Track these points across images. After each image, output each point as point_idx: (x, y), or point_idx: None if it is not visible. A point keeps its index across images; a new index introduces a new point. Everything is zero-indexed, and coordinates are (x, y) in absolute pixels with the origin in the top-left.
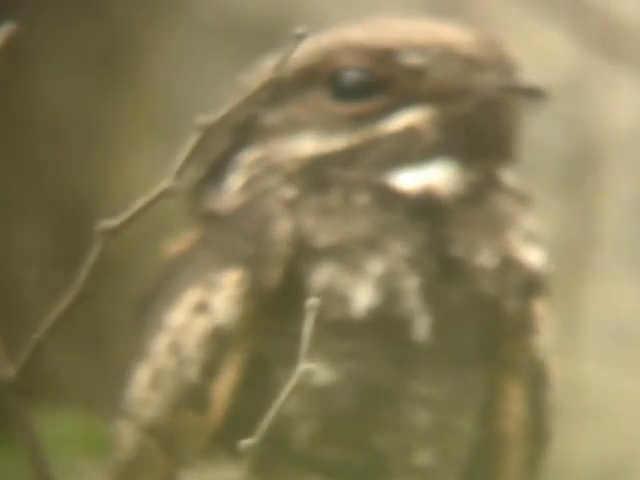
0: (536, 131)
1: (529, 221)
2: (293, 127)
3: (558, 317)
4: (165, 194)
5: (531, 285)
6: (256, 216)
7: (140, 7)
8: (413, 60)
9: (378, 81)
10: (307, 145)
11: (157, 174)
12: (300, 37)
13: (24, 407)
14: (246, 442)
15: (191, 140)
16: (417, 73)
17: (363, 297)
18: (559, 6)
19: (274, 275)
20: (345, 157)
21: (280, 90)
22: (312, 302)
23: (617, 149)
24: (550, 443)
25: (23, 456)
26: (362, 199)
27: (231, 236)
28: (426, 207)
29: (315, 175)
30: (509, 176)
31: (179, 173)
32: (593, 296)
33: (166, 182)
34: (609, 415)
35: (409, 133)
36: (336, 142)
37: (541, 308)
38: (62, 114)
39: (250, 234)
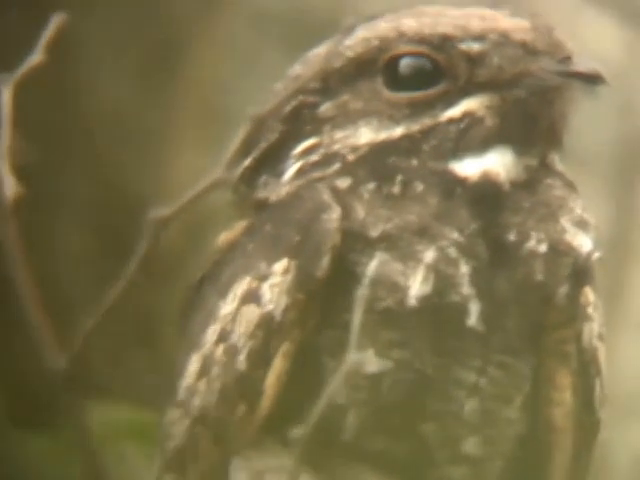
0: (585, 119)
1: (579, 206)
2: (349, 116)
3: (602, 303)
4: (216, 184)
5: (581, 271)
6: (305, 205)
7: (190, 1)
8: (471, 47)
9: (435, 69)
10: (365, 134)
11: (203, 169)
12: (350, 28)
13: (74, 397)
14: (296, 431)
15: (242, 131)
16: (475, 60)
17: (416, 285)
18: None
19: (322, 264)
20: (404, 145)
21: (334, 80)
22: (362, 291)
23: None
24: (599, 432)
25: (73, 445)
26: (421, 186)
27: (280, 225)
28: (485, 193)
29: (374, 163)
30: (557, 162)
31: (230, 164)
32: (637, 282)
33: (217, 172)
34: None
35: (468, 120)
36: (394, 130)
37: (590, 295)
38: (110, 111)
39: (299, 223)
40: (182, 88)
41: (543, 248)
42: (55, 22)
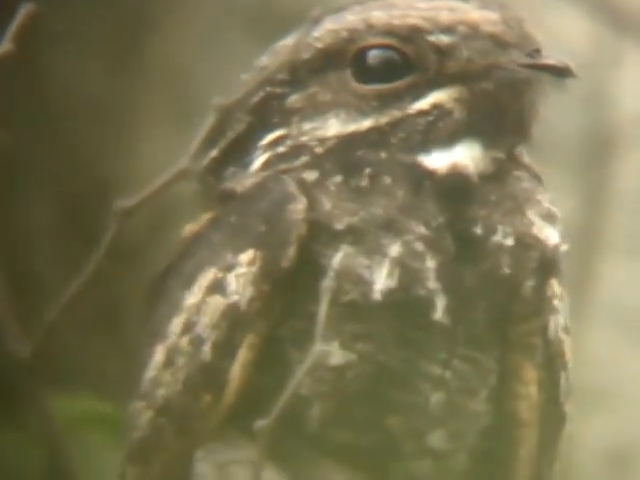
0: (551, 110)
1: (546, 199)
2: (317, 108)
3: (569, 296)
4: (182, 175)
5: (547, 264)
6: (271, 196)
7: None
8: (440, 39)
9: (404, 61)
10: (333, 126)
11: (172, 155)
12: (318, 19)
13: (38, 386)
14: (260, 423)
15: (208, 121)
16: (444, 52)
17: (381, 279)
18: None
19: (288, 255)
20: (372, 137)
21: (302, 71)
22: (327, 284)
23: (631, 129)
24: (565, 426)
25: (36, 435)
26: (388, 179)
27: (246, 216)
28: (453, 186)
29: (342, 156)
30: (525, 154)
31: (196, 154)
32: (605, 275)
33: (183, 163)
34: (619, 396)
35: (436, 112)
36: (362, 122)
37: (556, 287)
38: (78, 96)
39: (264, 213)
40: (149, 71)
41: (510, 241)
42: (23, 12)
